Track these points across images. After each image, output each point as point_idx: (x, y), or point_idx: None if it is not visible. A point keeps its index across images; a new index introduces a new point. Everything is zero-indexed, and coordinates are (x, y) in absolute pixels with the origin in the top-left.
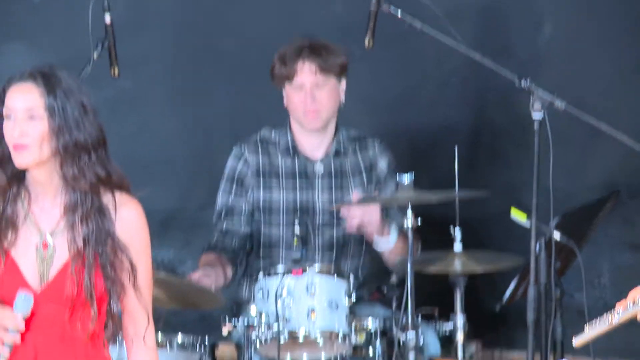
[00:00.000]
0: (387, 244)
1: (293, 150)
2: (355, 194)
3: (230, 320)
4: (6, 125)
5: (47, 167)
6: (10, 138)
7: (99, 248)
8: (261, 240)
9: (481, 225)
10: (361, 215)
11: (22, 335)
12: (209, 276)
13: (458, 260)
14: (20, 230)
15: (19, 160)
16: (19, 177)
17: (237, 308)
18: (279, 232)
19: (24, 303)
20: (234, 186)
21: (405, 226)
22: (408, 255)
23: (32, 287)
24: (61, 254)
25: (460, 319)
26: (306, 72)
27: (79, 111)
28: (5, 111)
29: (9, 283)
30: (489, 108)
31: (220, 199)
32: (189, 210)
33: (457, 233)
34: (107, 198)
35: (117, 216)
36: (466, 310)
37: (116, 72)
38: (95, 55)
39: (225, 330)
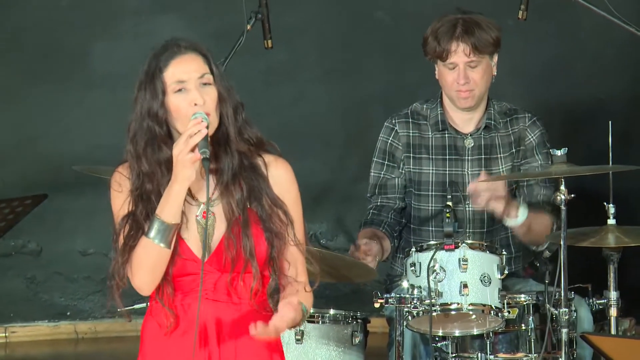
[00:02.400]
0: (515, 222)
1: (442, 125)
2: (482, 175)
3: (382, 295)
4: (178, 97)
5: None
6: (189, 108)
7: (255, 204)
8: (412, 214)
9: (635, 200)
10: (487, 193)
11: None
12: (374, 243)
13: (611, 235)
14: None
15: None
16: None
17: (390, 282)
18: (429, 206)
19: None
20: (386, 160)
21: (556, 200)
22: (540, 236)
23: (199, 259)
24: (221, 222)
25: (613, 295)
26: (460, 53)
27: (225, 75)
28: (175, 85)
29: (178, 259)
30: None
31: (373, 173)
32: (342, 184)
33: (611, 208)
34: (256, 158)
35: (267, 174)
36: (619, 285)
37: (270, 44)
38: (249, 27)
39: (377, 304)
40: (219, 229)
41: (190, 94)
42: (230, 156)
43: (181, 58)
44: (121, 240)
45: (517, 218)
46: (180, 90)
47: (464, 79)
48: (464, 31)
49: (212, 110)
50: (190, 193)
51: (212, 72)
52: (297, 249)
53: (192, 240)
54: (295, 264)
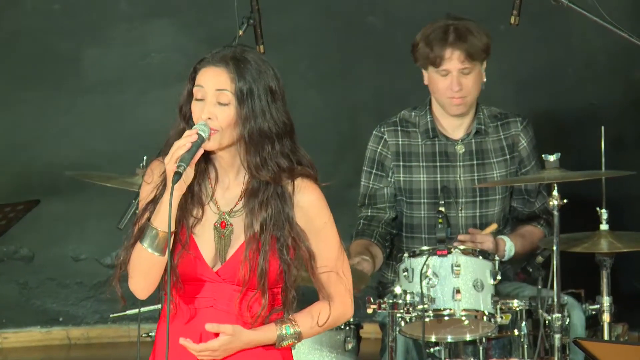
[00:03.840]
0: (504, 260)
1: (433, 132)
2: (470, 231)
3: (374, 300)
4: (195, 105)
5: (232, 150)
6: (199, 118)
7: (276, 232)
8: (404, 222)
9: (627, 205)
10: (473, 245)
11: (205, 315)
12: (366, 261)
13: (604, 240)
14: (204, 208)
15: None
16: (206, 155)
17: (382, 288)
18: (421, 213)
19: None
20: (375, 169)
21: (550, 206)
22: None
23: (209, 266)
24: (238, 235)
25: (606, 301)
26: (454, 60)
27: (267, 98)
28: (195, 92)
29: (188, 262)
30: (637, 86)
31: (363, 183)
32: (335, 189)
33: (603, 213)
34: (287, 184)
35: (295, 201)
36: (612, 291)
37: (262, 49)
38: (240, 32)
39: (370, 310)
40: (235, 242)
41: (203, 105)
42: (261, 181)
43: (208, 69)
44: (137, 226)
45: (504, 257)
46: (198, 98)
47: (457, 85)
48: (457, 38)
49: (222, 128)
50: (214, 200)
51: (236, 92)
52: (329, 276)
53: (206, 246)
54: (326, 291)
